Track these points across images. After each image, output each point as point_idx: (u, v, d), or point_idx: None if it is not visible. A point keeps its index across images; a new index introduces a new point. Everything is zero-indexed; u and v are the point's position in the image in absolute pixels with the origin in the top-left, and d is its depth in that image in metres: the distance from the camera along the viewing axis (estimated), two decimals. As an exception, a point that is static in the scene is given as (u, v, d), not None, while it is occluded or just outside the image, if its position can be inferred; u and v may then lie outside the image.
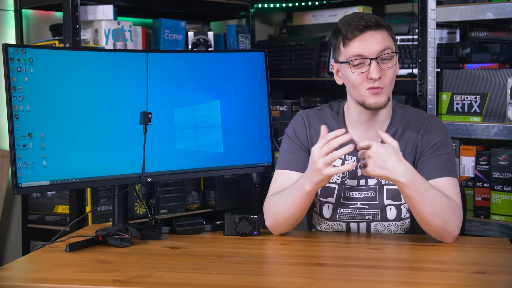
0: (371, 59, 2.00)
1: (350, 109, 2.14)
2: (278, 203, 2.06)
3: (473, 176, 2.89)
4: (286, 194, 2.04)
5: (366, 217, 2.12)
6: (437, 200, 1.94)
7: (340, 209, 2.14)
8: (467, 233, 2.27)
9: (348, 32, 2.02)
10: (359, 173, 2.12)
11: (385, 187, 2.11)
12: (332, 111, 2.19)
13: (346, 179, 2.13)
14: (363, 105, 2.06)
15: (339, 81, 2.14)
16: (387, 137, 1.92)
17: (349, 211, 2.13)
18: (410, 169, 1.92)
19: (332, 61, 2.14)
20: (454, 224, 1.97)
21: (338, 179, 2.14)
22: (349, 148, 1.89)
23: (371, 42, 2.01)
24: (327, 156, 1.89)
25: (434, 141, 2.09)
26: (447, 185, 2.03)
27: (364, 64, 2.02)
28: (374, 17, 2.04)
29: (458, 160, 2.92)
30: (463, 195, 2.31)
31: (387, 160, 1.89)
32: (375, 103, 2.04)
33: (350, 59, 2.03)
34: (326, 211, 2.16)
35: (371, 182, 2.12)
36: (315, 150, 1.92)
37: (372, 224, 2.13)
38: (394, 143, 1.91)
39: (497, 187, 2.83)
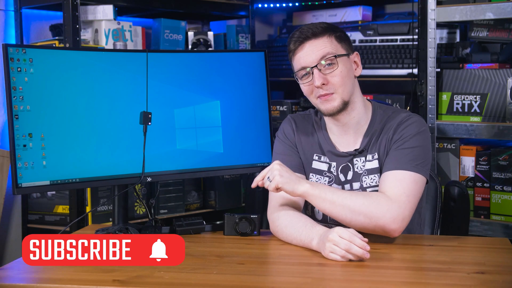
0: (312, 68, 2.03)
1: (322, 116, 2.17)
2: (284, 232, 2.02)
3: (473, 176, 2.89)
4: (295, 229, 1.98)
5: None
6: (349, 198, 1.94)
7: None
8: (459, 233, 2.26)
9: (290, 45, 2.09)
10: (342, 178, 2.12)
11: (368, 190, 2.10)
12: (316, 117, 2.21)
13: (332, 184, 2.13)
14: (321, 111, 2.10)
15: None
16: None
17: None
18: (304, 179, 2.01)
19: None
20: (383, 217, 1.92)
21: (325, 183, 2.14)
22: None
23: (310, 52, 2.05)
24: (340, 249, 1.81)
25: (403, 136, 2.05)
26: (392, 178, 1.99)
27: (309, 74, 2.05)
28: (313, 28, 2.06)
29: (458, 160, 2.93)
30: (465, 195, 2.30)
31: (290, 174, 1.97)
32: (326, 109, 2.06)
33: (296, 72, 2.08)
34: (318, 213, 2.17)
35: (356, 186, 2.12)
36: (339, 237, 1.82)
37: None
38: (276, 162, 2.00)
39: (497, 187, 2.83)
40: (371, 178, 2.10)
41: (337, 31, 2.09)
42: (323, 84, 2.03)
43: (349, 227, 1.89)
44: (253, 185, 2.02)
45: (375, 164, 2.10)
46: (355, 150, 2.11)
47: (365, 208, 1.93)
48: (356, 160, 2.11)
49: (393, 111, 2.15)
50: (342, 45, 2.08)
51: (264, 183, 1.99)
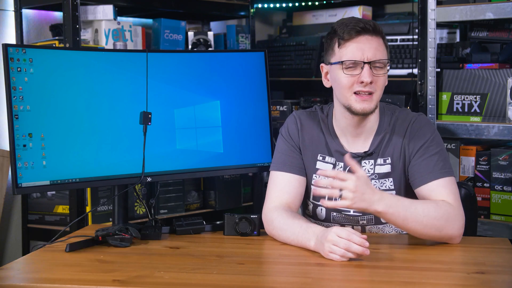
0: (364, 63, 1.98)
1: (337, 115, 2.12)
2: (280, 234, 2.02)
3: (473, 176, 2.89)
4: (291, 231, 1.98)
5: (361, 222, 2.12)
6: (421, 213, 1.92)
7: (333, 213, 2.14)
8: (467, 233, 2.26)
9: (344, 33, 2.00)
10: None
11: None
12: (322, 114, 2.18)
13: None
14: (349, 109, 2.03)
15: (327, 83, 2.12)
16: (355, 166, 1.88)
17: (343, 216, 2.13)
18: (384, 194, 1.90)
19: (323, 63, 2.13)
20: (452, 228, 1.95)
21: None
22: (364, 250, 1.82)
23: (367, 46, 1.99)
24: (339, 249, 1.81)
25: (421, 142, 2.06)
26: (440, 187, 2.00)
27: (357, 67, 2.00)
28: (372, 22, 2.02)
29: (458, 160, 2.92)
30: (471, 197, 2.29)
31: (365, 192, 1.86)
32: (363, 109, 2.01)
33: (344, 60, 2.00)
34: (320, 213, 2.16)
35: None
36: (337, 237, 1.82)
37: (367, 227, 2.13)
38: (362, 172, 1.87)
39: (497, 187, 2.83)
40: (381, 182, 2.09)
41: (385, 38, 2.06)
42: (371, 82, 1.99)
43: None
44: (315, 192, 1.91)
45: (387, 168, 2.09)
46: (365, 152, 2.10)
47: (436, 222, 1.93)
48: (364, 162, 2.10)
49: (399, 111, 2.14)
50: (388, 52, 2.06)
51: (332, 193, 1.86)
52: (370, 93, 2.00)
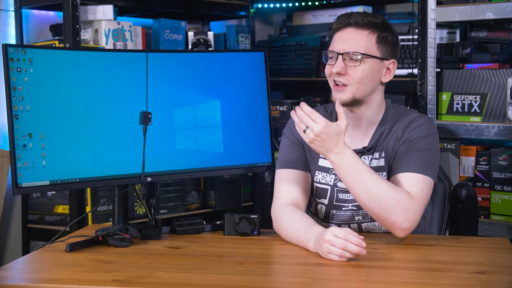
0: (338, 54, 2.03)
1: (334, 111, 2.16)
2: (286, 230, 2.02)
3: (473, 176, 2.89)
4: (295, 229, 1.98)
5: (356, 218, 2.12)
6: (372, 185, 1.91)
7: (333, 211, 2.14)
8: (467, 233, 2.26)
9: (334, 24, 2.09)
10: None
11: None
12: (326, 113, 2.20)
13: (337, 181, 2.13)
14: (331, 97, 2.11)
15: None
16: (341, 114, 1.93)
17: (341, 213, 2.13)
18: (347, 150, 1.93)
19: None
20: (398, 215, 1.92)
21: (330, 181, 2.14)
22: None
23: (346, 38, 2.04)
24: (337, 249, 1.81)
25: (412, 137, 2.05)
26: (408, 179, 1.99)
27: (334, 58, 2.05)
28: (360, 17, 2.05)
29: (458, 160, 2.93)
30: (472, 197, 2.29)
31: (327, 140, 1.90)
32: (335, 98, 2.07)
33: (327, 51, 2.08)
34: (320, 210, 2.17)
35: None
36: (334, 237, 1.82)
37: (363, 225, 2.13)
38: (343, 123, 1.92)
39: (497, 187, 2.83)
40: None
41: (385, 32, 2.06)
42: (340, 73, 2.03)
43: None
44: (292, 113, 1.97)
45: (381, 162, 2.10)
46: (364, 148, 2.11)
47: (384, 200, 1.92)
48: (364, 158, 2.11)
49: (404, 111, 2.15)
50: (381, 47, 2.05)
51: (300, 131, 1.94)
52: (345, 85, 2.04)
